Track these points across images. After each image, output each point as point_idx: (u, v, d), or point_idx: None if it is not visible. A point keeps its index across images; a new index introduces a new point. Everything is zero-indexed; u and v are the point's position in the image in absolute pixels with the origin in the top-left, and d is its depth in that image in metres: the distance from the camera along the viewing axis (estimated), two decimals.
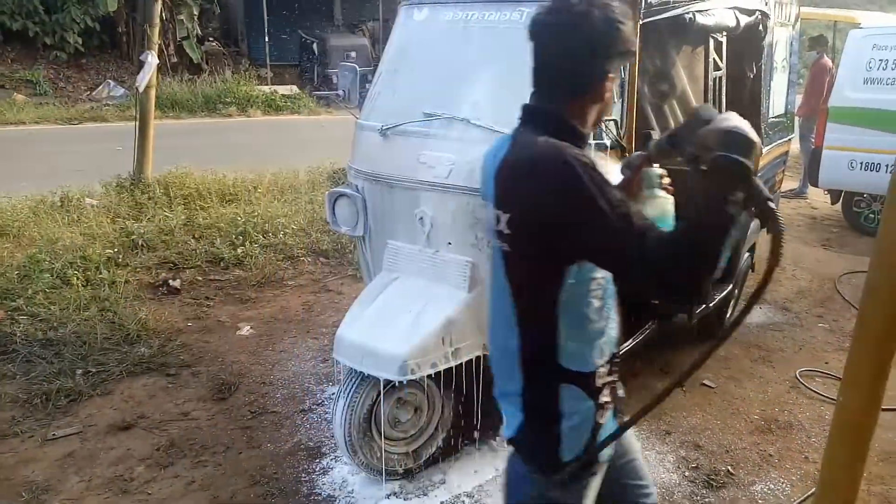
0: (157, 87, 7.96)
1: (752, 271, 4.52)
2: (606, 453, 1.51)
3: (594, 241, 1.29)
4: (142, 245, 5.39)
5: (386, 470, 2.78)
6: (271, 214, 6.12)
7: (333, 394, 3.17)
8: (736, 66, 3.93)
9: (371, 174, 3.01)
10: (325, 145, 8.16)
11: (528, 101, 1.48)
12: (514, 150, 1.42)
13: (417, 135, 2.87)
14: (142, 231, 5.53)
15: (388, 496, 2.80)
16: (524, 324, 1.45)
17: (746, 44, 3.96)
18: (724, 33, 3.58)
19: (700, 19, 3.14)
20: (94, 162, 7.57)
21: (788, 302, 4.95)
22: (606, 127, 2.77)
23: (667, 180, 1.65)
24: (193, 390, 3.60)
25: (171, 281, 4.88)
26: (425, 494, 2.84)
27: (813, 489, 2.47)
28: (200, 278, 5.06)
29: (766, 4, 4.06)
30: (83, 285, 4.61)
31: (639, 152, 1.69)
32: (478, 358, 2.73)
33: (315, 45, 15.71)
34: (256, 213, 6.09)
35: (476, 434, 2.98)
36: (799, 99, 7.12)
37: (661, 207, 1.59)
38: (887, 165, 6.14)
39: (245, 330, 4.32)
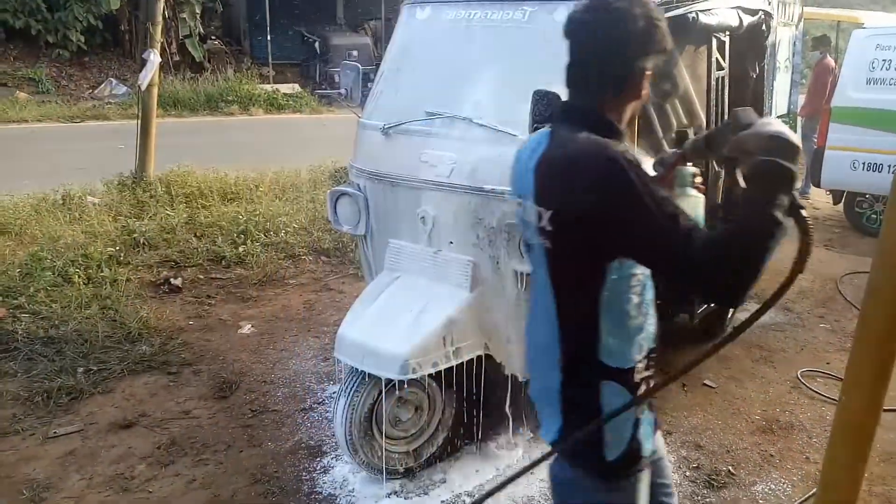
0: (160, 85, 7.96)
1: None
2: (649, 448, 1.50)
3: (640, 238, 1.29)
4: (143, 243, 5.40)
5: (387, 469, 2.78)
6: (273, 213, 6.12)
7: (334, 392, 3.17)
8: (739, 66, 3.91)
9: (373, 173, 3.01)
10: (326, 144, 8.16)
11: (565, 99, 1.48)
12: (555, 147, 1.41)
13: (419, 134, 2.87)
14: (143, 229, 5.54)
15: (388, 495, 2.80)
16: (566, 321, 1.45)
17: (749, 43, 3.94)
18: (727, 33, 3.57)
19: (703, 19, 3.13)
20: (96, 160, 7.57)
21: (790, 302, 4.93)
22: None
23: (699, 179, 1.66)
24: (194, 389, 3.61)
25: (172, 279, 4.89)
26: (426, 493, 2.84)
27: (814, 490, 2.46)
28: (202, 277, 5.06)
29: (770, 4, 4.04)
30: (85, 283, 4.61)
31: (674, 150, 1.71)
32: (479, 357, 2.73)
33: (317, 44, 15.70)
34: (258, 212, 6.10)
35: (477, 433, 2.98)
36: (802, 99, 7.10)
37: (691, 206, 1.59)
38: (890, 166, 6.12)
39: (246, 328, 4.33)
